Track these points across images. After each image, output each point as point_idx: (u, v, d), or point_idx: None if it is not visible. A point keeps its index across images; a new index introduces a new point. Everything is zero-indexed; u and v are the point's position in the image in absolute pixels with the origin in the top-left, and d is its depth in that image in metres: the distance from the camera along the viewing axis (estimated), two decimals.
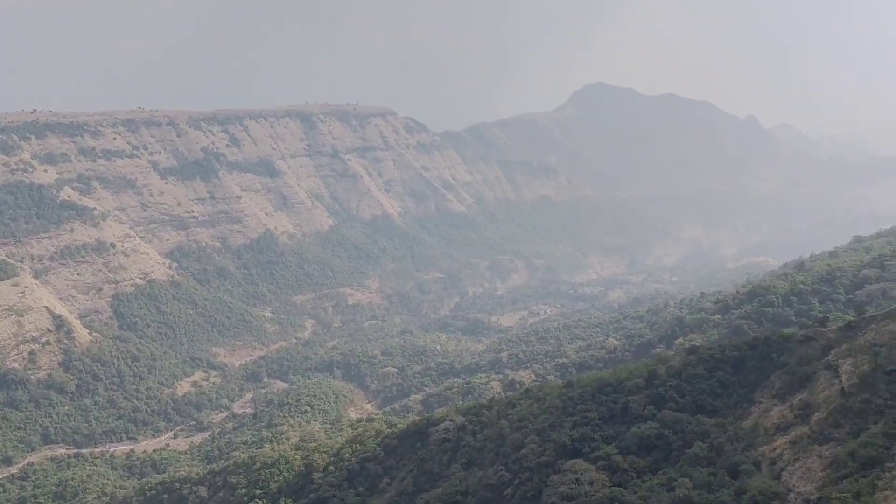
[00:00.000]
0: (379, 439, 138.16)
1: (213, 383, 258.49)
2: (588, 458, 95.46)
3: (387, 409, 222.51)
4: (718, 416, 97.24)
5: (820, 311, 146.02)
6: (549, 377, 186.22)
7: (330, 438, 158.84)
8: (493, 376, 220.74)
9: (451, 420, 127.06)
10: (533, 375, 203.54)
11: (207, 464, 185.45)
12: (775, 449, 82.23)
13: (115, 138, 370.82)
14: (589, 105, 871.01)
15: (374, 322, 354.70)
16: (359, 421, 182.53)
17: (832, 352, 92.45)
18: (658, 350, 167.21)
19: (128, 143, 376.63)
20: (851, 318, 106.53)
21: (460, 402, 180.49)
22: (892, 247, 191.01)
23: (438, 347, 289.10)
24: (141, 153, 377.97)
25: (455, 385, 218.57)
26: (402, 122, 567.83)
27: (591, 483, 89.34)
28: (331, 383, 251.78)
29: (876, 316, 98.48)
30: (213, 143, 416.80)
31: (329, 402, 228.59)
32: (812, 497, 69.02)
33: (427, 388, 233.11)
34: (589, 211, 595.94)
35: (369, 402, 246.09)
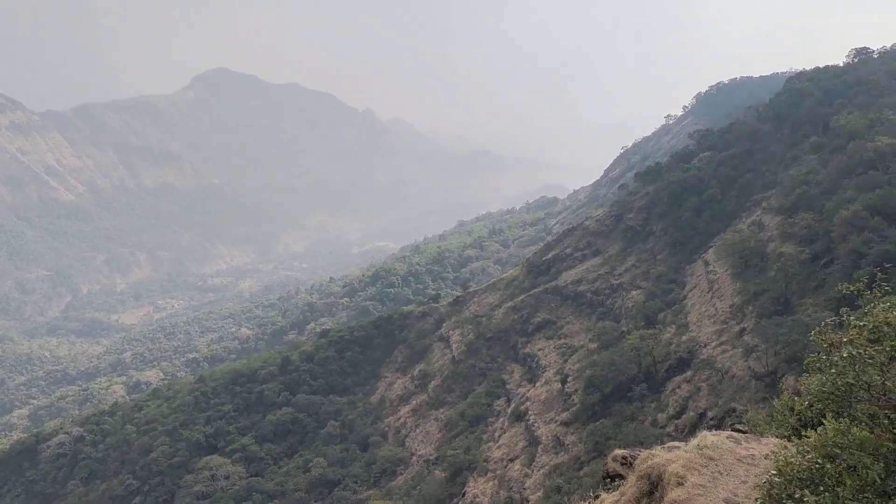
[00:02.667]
0: None
1: None
2: (224, 453, 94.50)
3: None
4: (349, 393, 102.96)
5: (433, 289, 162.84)
6: (179, 374, 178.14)
7: None
8: (115, 379, 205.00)
9: (67, 432, 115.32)
10: (161, 374, 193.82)
11: None
12: (399, 418, 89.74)
13: None
14: (211, 90, 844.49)
15: None
16: None
17: (444, 325, 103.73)
18: (291, 336, 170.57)
19: None
20: (458, 293, 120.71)
21: (77, 412, 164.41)
22: (487, 229, 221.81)
23: (47, 354, 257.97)
24: None
25: (70, 393, 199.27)
26: None
27: (227, 477, 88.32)
28: None
29: (477, 290, 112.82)
30: None
31: None
32: (431, 457, 76.64)
33: (35, 401, 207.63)
34: (216, 200, 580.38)
35: None
